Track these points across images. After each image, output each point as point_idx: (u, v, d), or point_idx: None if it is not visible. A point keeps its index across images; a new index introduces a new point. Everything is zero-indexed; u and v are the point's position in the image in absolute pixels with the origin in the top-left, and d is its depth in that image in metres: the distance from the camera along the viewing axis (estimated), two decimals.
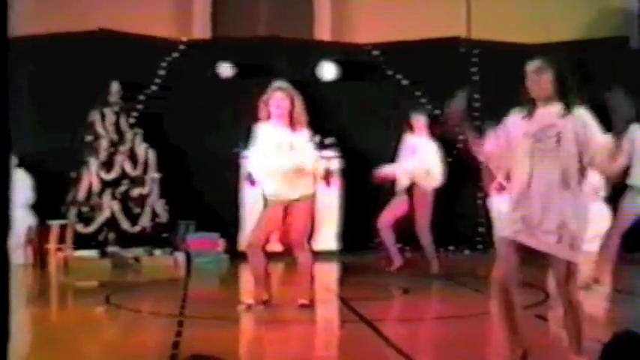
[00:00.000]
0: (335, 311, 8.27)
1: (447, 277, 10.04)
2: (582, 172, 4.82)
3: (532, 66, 4.98)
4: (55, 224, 11.55)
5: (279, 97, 7.72)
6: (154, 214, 11.88)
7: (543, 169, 4.79)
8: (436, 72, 13.08)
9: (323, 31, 13.90)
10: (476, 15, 13.95)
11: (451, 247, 12.75)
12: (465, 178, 12.80)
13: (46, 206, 11.74)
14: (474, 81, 13.27)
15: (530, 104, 4.99)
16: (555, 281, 4.99)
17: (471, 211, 12.87)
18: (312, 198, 7.92)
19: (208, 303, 7.75)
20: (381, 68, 13.35)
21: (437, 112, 13.16)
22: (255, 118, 7.97)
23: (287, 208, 7.72)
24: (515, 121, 5.06)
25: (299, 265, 7.95)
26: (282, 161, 7.63)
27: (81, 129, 12.20)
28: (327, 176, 12.30)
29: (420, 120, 10.64)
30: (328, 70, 12.95)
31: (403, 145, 10.59)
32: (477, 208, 12.76)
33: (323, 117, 12.41)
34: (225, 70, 12.63)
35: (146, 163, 11.96)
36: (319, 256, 11.68)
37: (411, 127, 10.62)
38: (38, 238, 11.58)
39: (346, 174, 12.51)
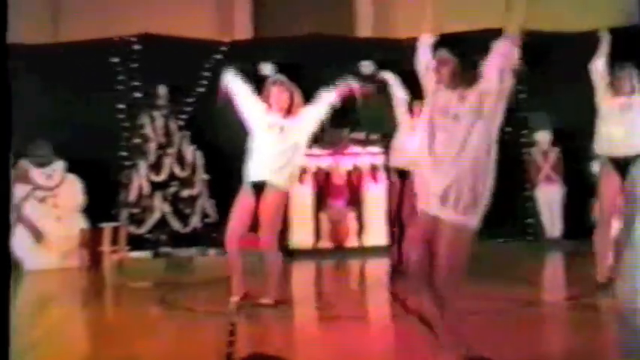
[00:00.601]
0: (387, 306, 8.32)
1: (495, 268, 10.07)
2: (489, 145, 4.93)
3: (437, 55, 5.17)
4: (107, 227, 11.75)
5: (276, 92, 7.79)
6: (204, 215, 12.05)
7: (442, 142, 4.91)
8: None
9: (364, 28, 13.94)
10: (519, 4, 13.88)
11: (500, 240, 12.74)
12: (510, 168, 12.82)
13: (97, 209, 11.95)
14: (518, 72, 13.23)
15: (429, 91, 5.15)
16: (438, 258, 4.87)
17: (519, 202, 12.86)
18: (283, 191, 7.76)
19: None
20: None
21: None
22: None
23: (259, 194, 7.67)
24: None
25: (267, 264, 7.82)
26: (272, 141, 7.66)
27: (130, 132, 12.42)
28: (373, 172, 12.36)
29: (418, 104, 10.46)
30: (369, 67, 12.99)
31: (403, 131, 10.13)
32: (525, 198, 12.77)
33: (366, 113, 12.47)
34: (267, 70, 12.72)
35: (194, 165, 12.13)
36: (370, 251, 11.78)
37: (411, 111, 10.41)
38: (92, 241, 11.80)
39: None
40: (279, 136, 7.69)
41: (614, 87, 8.20)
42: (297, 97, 7.83)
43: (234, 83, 7.98)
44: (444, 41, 5.27)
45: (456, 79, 5.05)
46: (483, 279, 9.32)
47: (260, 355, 2.90)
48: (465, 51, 5.21)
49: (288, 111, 7.77)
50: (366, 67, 12.97)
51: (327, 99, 7.86)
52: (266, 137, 7.72)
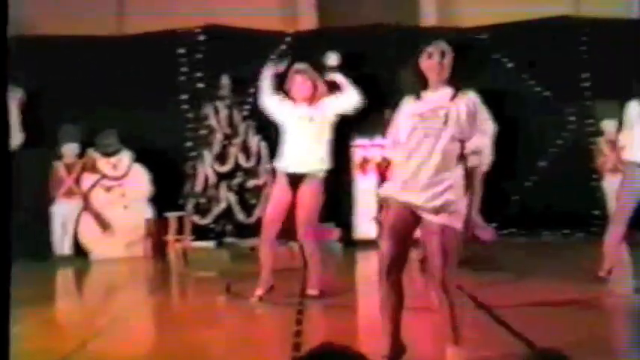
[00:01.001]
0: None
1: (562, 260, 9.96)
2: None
3: (436, 48, 4.87)
4: (172, 216, 11.87)
5: (299, 81, 7.78)
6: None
7: (425, 148, 4.74)
8: (544, 53, 12.87)
9: (429, 17, 13.85)
10: None
11: (566, 231, 12.57)
12: (576, 159, 12.64)
13: (163, 199, 12.07)
14: (583, 60, 13.04)
15: (419, 86, 4.90)
16: (428, 257, 4.84)
17: (585, 192, 12.67)
18: (321, 180, 7.74)
19: (325, 291, 7.80)
20: (487, 52, 13.20)
21: (546, 94, 13.02)
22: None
23: (296, 185, 7.66)
24: (405, 109, 4.97)
25: (307, 255, 7.84)
26: (304, 132, 7.67)
27: (195, 123, 12.51)
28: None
29: None
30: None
31: None
32: (591, 189, 12.58)
33: None
34: (332, 60, 12.68)
35: (259, 155, 12.17)
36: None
37: None
38: (157, 231, 11.93)
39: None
40: (309, 127, 7.71)
41: None
42: (321, 86, 7.83)
43: (264, 83, 8.02)
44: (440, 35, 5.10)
45: (450, 77, 4.86)
46: (548, 271, 9.24)
47: (330, 345, 2.85)
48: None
49: (311, 100, 7.77)
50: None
51: (352, 94, 7.86)
52: (298, 129, 7.73)
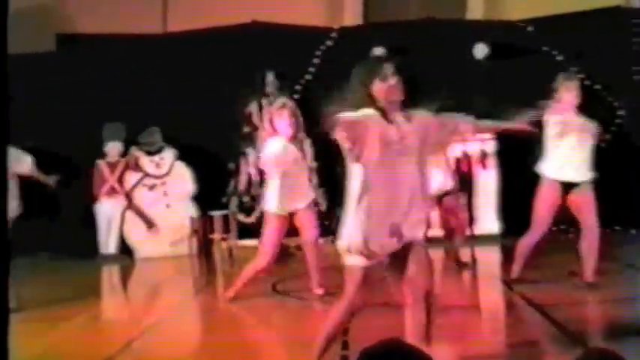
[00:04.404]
0: (500, 296, 8.13)
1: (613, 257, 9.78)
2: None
3: (389, 69, 4.49)
4: (217, 215, 11.83)
5: (286, 115, 7.86)
6: (314, 203, 12.00)
7: (405, 176, 4.47)
8: (594, 45, 12.65)
9: (476, 10, 13.70)
10: None
11: (617, 227, 12.35)
12: (625, 154, 12.43)
13: (207, 198, 12.04)
14: (633, 52, 12.80)
15: (380, 110, 4.49)
16: (414, 274, 4.70)
17: (635, 189, 12.45)
18: (311, 205, 8.14)
19: (372, 289, 7.71)
20: (536, 45, 13.02)
21: (595, 87, 12.79)
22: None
23: (290, 216, 7.85)
24: (374, 131, 4.46)
25: (309, 258, 8.09)
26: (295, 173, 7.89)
27: (239, 121, 12.46)
28: (483, 159, 12.12)
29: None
30: (482, 50, 12.73)
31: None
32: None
33: (478, 97, 12.23)
34: (379, 55, 12.58)
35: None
36: (480, 240, 11.54)
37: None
38: (202, 229, 11.91)
39: (503, 155, 12.26)
40: (298, 168, 7.98)
41: None
42: (299, 117, 8.53)
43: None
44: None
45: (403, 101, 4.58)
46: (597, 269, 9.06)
47: (397, 343, 2.73)
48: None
49: (296, 131, 8.03)
50: (480, 50, 12.71)
51: None
52: (289, 172, 7.83)
